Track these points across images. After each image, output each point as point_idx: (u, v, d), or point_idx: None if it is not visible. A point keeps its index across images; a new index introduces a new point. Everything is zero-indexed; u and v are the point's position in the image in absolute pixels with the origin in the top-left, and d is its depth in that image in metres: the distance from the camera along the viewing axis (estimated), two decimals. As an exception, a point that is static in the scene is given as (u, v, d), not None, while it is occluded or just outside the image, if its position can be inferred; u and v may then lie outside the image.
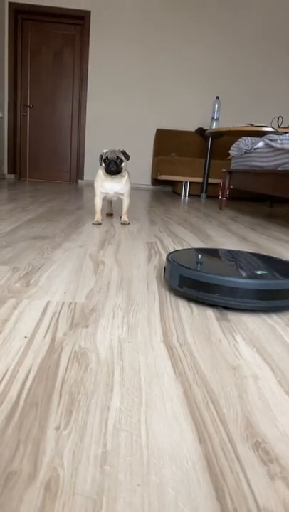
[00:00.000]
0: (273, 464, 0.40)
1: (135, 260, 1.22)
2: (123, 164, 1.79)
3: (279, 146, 2.24)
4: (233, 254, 1.06)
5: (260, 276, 0.83)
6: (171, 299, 0.88)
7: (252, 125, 3.46)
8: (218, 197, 4.46)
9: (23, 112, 5.63)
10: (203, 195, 4.37)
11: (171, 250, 1.39)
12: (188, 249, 1.10)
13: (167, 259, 0.95)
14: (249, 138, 2.76)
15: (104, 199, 1.92)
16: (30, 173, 5.80)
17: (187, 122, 5.53)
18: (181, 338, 0.68)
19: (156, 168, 4.78)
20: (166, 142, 5.40)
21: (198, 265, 0.91)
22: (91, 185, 4.89)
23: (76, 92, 5.57)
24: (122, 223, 1.96)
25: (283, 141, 2.21)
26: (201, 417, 0.46)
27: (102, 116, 5.50)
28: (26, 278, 0.96)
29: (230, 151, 3.09)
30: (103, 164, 1.79)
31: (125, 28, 5.21)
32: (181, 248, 1.30)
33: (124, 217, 1.97)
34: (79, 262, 1.14)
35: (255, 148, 2.62)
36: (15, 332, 0.65)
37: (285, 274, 0.88)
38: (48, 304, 0.80)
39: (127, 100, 5.44)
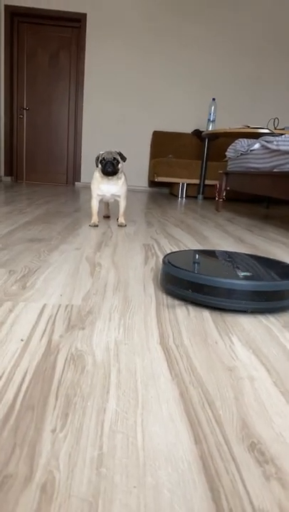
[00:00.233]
0: (269, 465, 0.40)
1: (132, 262, 1.22)
2: (120, 165, 1.79)
3: (275, 147, 2.25)
4: (225, 255, 1.07)
5: (243, 278, 0.83)
6: (167, 301, 0.88)
7: (248, 127, 3.47)
8: (214, 198, 4.47)
9: (20, 114, 5.63)
10: (200, 196, 4.38)
11: (168, 252, 1.40)
12: (182, 250, 1.10)
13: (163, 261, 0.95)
14: (245, 140, 2.77)
15: (101, 201, 1.92)
16: (26, 175, 5.80)
17: (184, 124, 5.55)
18: (177, 340, 0.68)
19: (153, 170, 4.79)
20: (163, 144, 5.41)
21: (186, 265, 0.91)
22: (88, 188, 4.89)
23: (72, 94, 5.57)
24: (118, 225, 1.96)
25: (279, 143, 2.22)
26: (197, 418, 0.47)
27: (99, 118, 5.50)
28: (23, 281, 0.96)
29: (226, 153, 3.10)
30: (100, 166, 1.79)
31: (121, 30, 5.22)
32: (177, 250, 1.31)
33: (121, 219, 1.97)
34: (76, 265, 1.14)
35: (251, 150, 2.63)
36: (11, 335, 0.65)
37: (270, 275, 0.88)
38: (44, 306, 0.80)
39: (124, 102, 5.45)
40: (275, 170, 2.27)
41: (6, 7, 5.15)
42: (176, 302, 0.88)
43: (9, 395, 0.49)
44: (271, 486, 0.37)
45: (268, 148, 2.36)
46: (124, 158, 1.81)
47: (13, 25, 5.34)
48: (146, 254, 1.34)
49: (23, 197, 3.25)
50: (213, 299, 0.82)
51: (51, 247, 1.35)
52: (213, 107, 4.19)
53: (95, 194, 1.87)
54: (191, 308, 0.85)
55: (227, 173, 3.02)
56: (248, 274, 0.87)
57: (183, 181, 4.49)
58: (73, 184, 5.80)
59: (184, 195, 4.51)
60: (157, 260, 1.27)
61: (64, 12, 5.14)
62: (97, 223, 1.90)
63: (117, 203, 1.96)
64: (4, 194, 3.42)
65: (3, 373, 0.53)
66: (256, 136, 3.41)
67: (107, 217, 2.24)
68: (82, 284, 0.96)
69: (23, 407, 0.47)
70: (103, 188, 1.85)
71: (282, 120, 5.53)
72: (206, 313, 0.82)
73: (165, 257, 0.99)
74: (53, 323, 0.71)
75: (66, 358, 0.59)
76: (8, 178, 5.66)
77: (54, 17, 5.20)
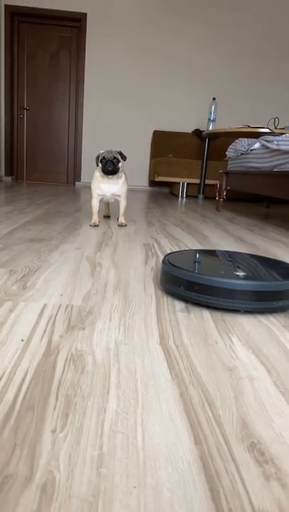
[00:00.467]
0: (268, 465, 0.40)
1: (132, 262, 1.22)
2: (120, 165, 1.79)
3: (275, 147, 2.25)
4: (225, 255, 1.07)
5: (238, 277, 0.84)
6: (167, 301, 0.88)
7: (248, 126, 3.47)
8: (215, 198, 4.47)
9: (20, 114, 5.63)
10: (201, 196, 4.38)
11: (168, 251, 1.40)
12: (181, 251, 1.10)
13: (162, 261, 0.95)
14: (246, 139, 2.77)
15: (101, 201, 1.92)
16: (27, 175, 5.80)
17: (184, 124, 5.55)
18: (177, 340, 0.68)
19: (154, 169, 4.79)
20: (164, 144, 5.41)
21: (184, 264, 0.91)
22: (88, 187, 4.89)
23: (73, 94, 5.57)
24: (119, 225, 1.96)
25: (279, 142, 2.22)
26: (197, 418, 0.47)
27: (99, 118, 5.50)
28: (23, 281, 0.96)
29: (227, 153, 3.10)
30: (100, 165, 1.79)
31: (121, 29, 5.22)
32: (177, 249, 1.31)
33: (122, 219, 1.97)
34: (76, 265, 1.15)
35: (251, 150, 2.62)
36: (12, 335, 0.66)
37: (271, 275, 0.88)
38: (44, 306, 0.80)
39: (124, 102, 5.45)
40: (275, 169, 2.27)
41: (7, 7, 5.15)
42: (176, 302, 0.88)
43: (9, 395, 0.49)
44: (271, 486, 0.37)
45: (268, 147, 2.36)
46: (124, 158, 1.80)
47: (14, 25, 5.34)
48: (147, 254, 1.34)
49: (23, 197, 3.25)
50: (209, 298, 0.82)
51: (51, 247, 1.36)
52: (213, 107, 4.19)
53: (96, 194, 1.87)
54: (191, 308, 0.85)
55: (227, 173, 3.02)
56: (245, 273, 0.87)
57: (183, 181, 4.49)
58: (74, 184, 5.80)
59: (185, 195, 4.51)
60: (157, 260, 1.27)
61: (64, 12, 5.13)
62: (97, 223, 1.90)
63: (117, 202, 1.96)
64: (5, 194, 3.42)
65: (3, 373, 0.54)
66: (256, 135, 3.40)
67: (107, 216, 2.24)
68: (83, 284, 0.96)
69: (24, 407, 0.47)
70: (103, 188, 1.85)
71: (283, 120, 5.53)
72: (206, 313, 0.82)
73: (165, 257, 0.99)
74: (53, 324, 0.71)
75: (66, 359, 0.59)
76: (9, 178, 5.66)
77: (54, 17, 5.20)
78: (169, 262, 0.92)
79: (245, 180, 2.66)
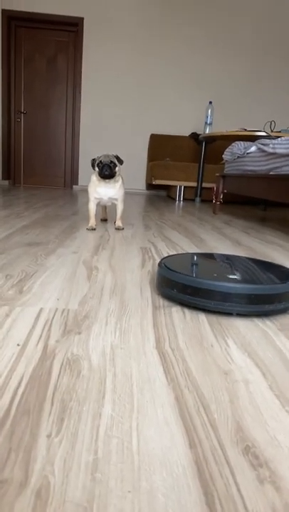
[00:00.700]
0: (263, 468, 0.40)
1: (129, 265, 1.22)
2: (117, 169, 1.80)
3: (271, 150, 2.26)
4: (218, 258, 1.07)
5: (231, 280, 0.84)
6: (164, 304, 0.88)
7: (245, 130, 3.49)
8: (212, 201, 4.48)
9: (17, 118, 5.64)
10: (198, 199, 4.39)
11: (165, 255, 1.40)
12: (178, 254, 1.11)
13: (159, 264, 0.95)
14: (242, 142, 2.79)
15: (98, 204, 1.93)
16: (24, 179, 5.80)
17: (181, 127, 5.57)
18: (173, 344, 0.68)
19: (151, 173, 4.80)
20: (161, 147, 5.42)
21: (180, 268, 0.91)
22: (85, 191, 4.89)
23: (70, 97, 5.59)
24: (116, 228, 1.97)
25: (275, 146, 2.23)
26: (192, 422, 0.47)
27: (96, 121, 5.52)
28: (19, 285, 0.96)
29: (223, 156, 3.12)
30: (97, 169, 1.79)
31: (118, 33, 5.24)
32: (174, 253, 1.31)
33: (119, 223, 1.97)
34: (73, 268, 1.15)
35: (247, 153, 2.64)
36: (8, 340, 0.66)
37: (269, 278, 0.88)
38: (40, 311, 0.80)
39: (121, 105, 5.47)
40: (271, 173, 2.28)
41: (3, 11, 5.17)
42: (173, 305, 0.88)
43: (5, 399, 0.49)
44: (265, 490, 0.37)
45: (264, 151, 2.37)
46: (121, 162, 1.81)
47: (11, 30, 5.35)
48: (144, 258, 1.35)
49: (20, 200, 3.25)
50: (204, 301, 0.82)
51: (48, 251, 1.36)
52: (210, 110, 4.21)
53: (93, 197, 1.88)
54: (187, 311, 0.85)
55: (224, 176, 3.03)
56: (238, 277, 0.88)
57: (180, 184, 4.50)
58: (71, 187, 5.80)
59: (182, 198, 4.52)
60: (154, 263, 1.27)
61: (61, 16, 5.16)
62: (94, 226, 1.90)
63: (114, 206, 1.96)
64: (2, 198, 3.42)
65: (-1, 378, 0.54)
66: (253, 138, 3.42)
67: (104, 220, 2.25)
68: (79, 288, 0.96)
69: (19, 412, 0.47)
70: (100, 191, 1.86)
71: (279, 123, 5.55)
72: (202, 316, 0.82)
73: (161, 260, 0.99)
74: (50, 328, 0.71)
75: (62, 363, 0.59)
76: (6, 182, 5.66)
77: (51, 21, 5.22)
78: (165, 266, 0.92)
79: (241, 183, 2.67)
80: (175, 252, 1.46)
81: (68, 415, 0.47)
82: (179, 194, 4.50)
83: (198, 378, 0.57)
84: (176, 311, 0.85)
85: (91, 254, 1.36)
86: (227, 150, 3.03)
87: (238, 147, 2.80)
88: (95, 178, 1.84)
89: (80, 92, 5.40)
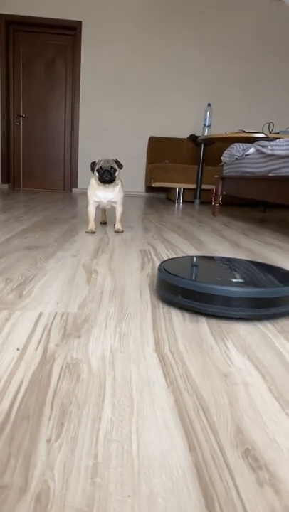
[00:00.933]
0: (262, 471, 0.40)
1: (128, 268, 1.23)
2: (116, 173, 1.80)
3: (270, 152, 2.26)
4: (217, 261, 1.07)
5: (233, 284, 0.84)
6: (163, 307, 0.89)
7: (243, 131, 3.49)
8: (211, 203, 4.49)
9: (16, 121, 5.65)
10: (197, 201, 4.40)
11: (165, 258, 1.40)
12: (177, 257, 1.11)
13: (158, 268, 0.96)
14: (241, 144, 2.79)
15: (97, 207, 1.93)
16: (24, 182, 5.81)
17: (180, 129, 5.58)
18: (173, 347, 0.68)
19: (150, 175, 4.81)
20: (160, 149, 5.43)
21: (181, 272, 0.91)
22: (85, 194, 4.90)
23: (69, 101, 5.60)
24: (115, 231, 1.97)
25: (274, 147, 2.24)
26: (192, 425, 0.47)
27: (95, 124, 5.53)
28: (19, 289, 0.96)
29: (222, 158, 3.12)
30: (96, 174, 1.80)
31: (117, 37, 5.26)
32: (174, 256, 1.31)
33: (118, 226, 1.98)
34: (72, 272, 1.15)
35: (246, 155, 2.64)
36: (7, 344, 0.66)
37: (269, 281, 0.89)
38: (40, 315, 0.80)
39: (120, 108, 5.48)
40: (270, 174, 2.28)
41: (1, 16, 5.19)
42: (172, 308, 0.88)
43: (5, 404, 0.49)
44: (265, 493, 0.37)
45: (262, 152, 2.38)
46: (120, 166, 1.82)
47: (9, 34, 5.37)
48: (143, 260, 1.35)
49: (20, 204, 3.26)
50: (205, 305, 0.82)
51: (48, 255, 1.36)
52: (208, 112, 4.22)
53: (92, 200, 1.88)
54: (186, 314, 0.85)
55: (223, 178, 3.04)
56: (240, 280, 0.88)
57: (179, 186, 4.51)
58: (70, 190, 5.81)
59: (181, 200, 4.53)
60: (154, 266, 1.27)
61: (60, 20, 5.18)
62: (94, 230, 1.90)
63: (113, 209, 1.97)
64: (1, 202, 3.42)
65: (-2, 383, 0.54)
66: (251, 140, 3.43)
67: (103, 223, 2.25)
68: (79, 292, 0.96)
69: (19, 416, 0.47)
70: (100, 195, 1.86)
71: (277, 125, 5.56)
72: (202, 319, 0.82)
73: (160, 264, 0.99)
74: (49, 332, 0.72)
75: (62, 367, 0.59)
76: (6, 186, 5.67)
77: (49, 25, 5.24)
78: (164, 269, 0.93)
79: (240, 185, 2.67)
80: (174, 255, 1.47)
81: (68, 419, 0.47)
82: (178, 196, 4.50)
83: (197, 381, 0.57)
84: (176, 314, 0.85)
85: (90, 257, 1.36)
86: (226, 152, 3.04)
87: (236, 149, 2.81)
88: (94, 181, 1.85)
89: (78, 95, 5.41)
